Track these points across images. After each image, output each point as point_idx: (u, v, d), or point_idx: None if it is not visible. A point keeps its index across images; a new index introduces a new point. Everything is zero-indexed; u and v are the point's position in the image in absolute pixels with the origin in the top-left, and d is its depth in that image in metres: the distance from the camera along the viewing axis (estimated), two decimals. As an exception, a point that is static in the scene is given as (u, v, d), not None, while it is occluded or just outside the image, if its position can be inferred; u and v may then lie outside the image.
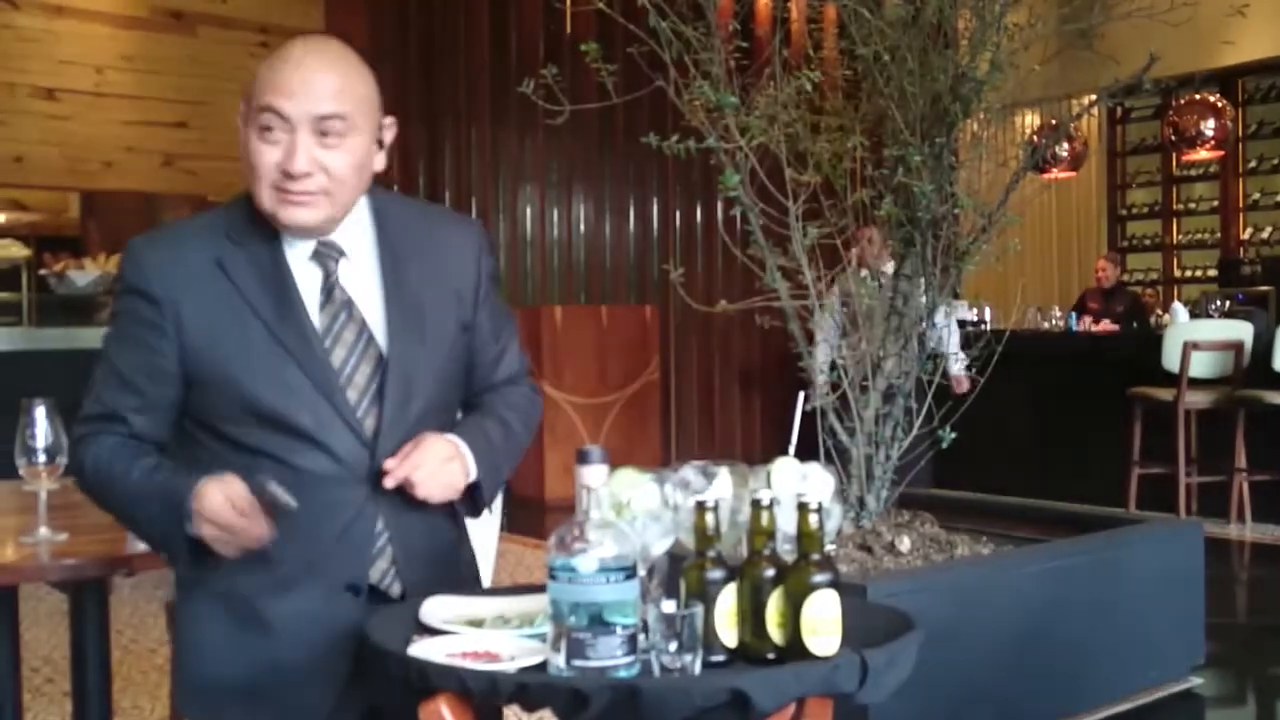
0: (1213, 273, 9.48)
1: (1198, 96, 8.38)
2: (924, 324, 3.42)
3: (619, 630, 1.30)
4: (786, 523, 1.44)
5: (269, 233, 1.68)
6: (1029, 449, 6.78)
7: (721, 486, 1.53)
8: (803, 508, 1.40)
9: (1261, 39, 8.65)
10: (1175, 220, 10.15)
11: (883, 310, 3.44)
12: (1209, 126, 8.49)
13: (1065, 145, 8.60)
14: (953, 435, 3.24)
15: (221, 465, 1.61)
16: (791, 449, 1.64)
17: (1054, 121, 8.42)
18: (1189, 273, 10.05)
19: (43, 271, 6.74)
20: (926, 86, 3.33)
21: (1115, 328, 7.48)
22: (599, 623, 1.30)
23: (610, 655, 1.30)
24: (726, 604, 1.40)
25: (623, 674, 1.30)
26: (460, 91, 7.56)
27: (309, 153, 1.61)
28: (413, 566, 1.69)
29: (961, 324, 5.11)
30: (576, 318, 7.45)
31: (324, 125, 1.61)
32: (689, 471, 1.53)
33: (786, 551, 1.43)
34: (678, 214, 8.46)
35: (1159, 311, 7.94)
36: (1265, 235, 9.54)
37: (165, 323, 1.64)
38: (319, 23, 6.98)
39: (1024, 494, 4.24)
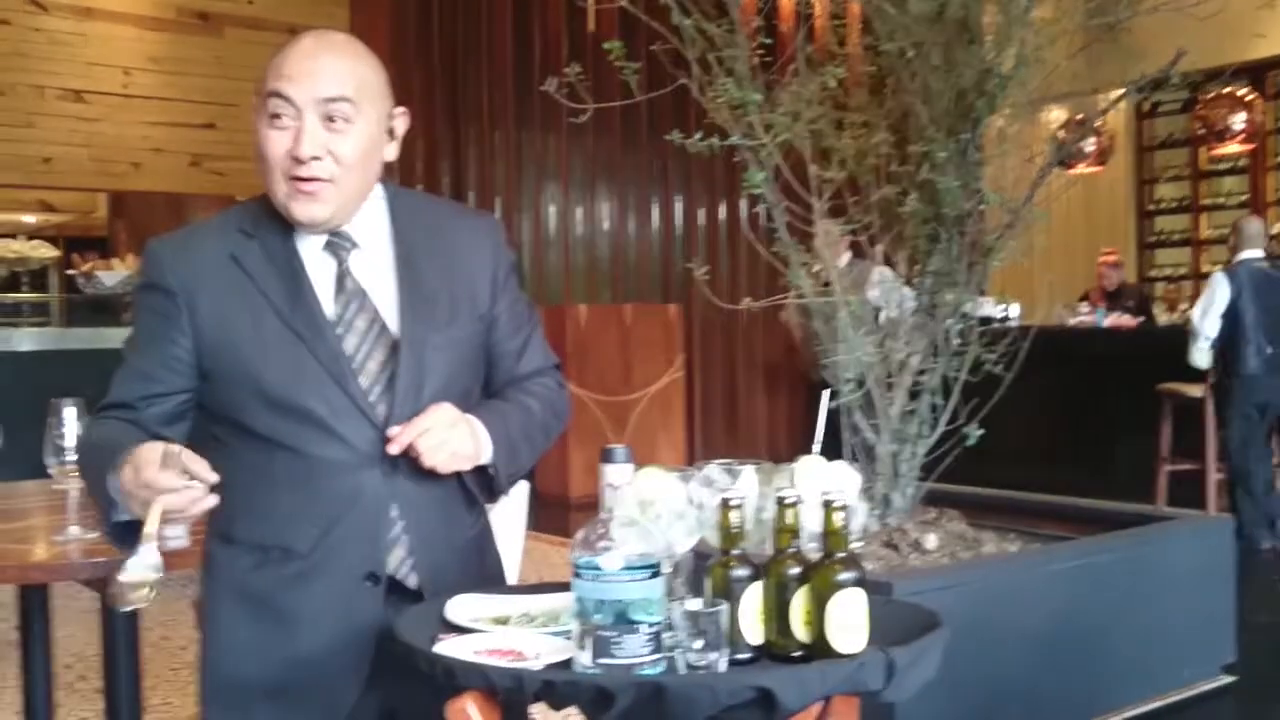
0: (1242, 269, 9.38)
1: (1226, 90, 8.29)
2: (951, 321, 3.41)
3: (644, 628, 1.30)
4: (811, 521, 1.44)
5: (282, 225, 1.70)
6: (1056, 445, 6.73)
7: (746, 484, 1.52)
8: (828, 505, 1.39)
9: (1292, 31, 8.57)
10: (1203, 215, 10.06)
11: (908, 308, 3.43)
12: (1238, 120, 8.41)
13: (1092, 140, 8.52)
14: (980, 432, 3.23)
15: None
16: (816, 446, 1.63)
17: (1081, 116, 8.36)
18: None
19: (71, 272, 6.80)
20: (952, 82, 3.32)
21: (1133, 323, 7.40)
22: (624, 621, 1.30)
23: (635, 653, 1.30)
24: (752, 602, 1.40)
25: (648, 672, 1.30)
26: (484, 91, 7.58)
27: (316, 137, 1.62)
28: (430, 556, 1.69)
29: (986, 320, 5.07)
30: (600, 316, 7.44)
31: (330, 109, 1.63)
32: (713, 469, 1.53)
33: (812, 549, 1.43)
34: (701, 212, 8.45)
35: (1183, 307, 7.85)
36: (1295, 230, 9.45)
37: (180, 314, 1.67)
38: (344, 24, 7.00)
39: (1051, 491, 4.20)
